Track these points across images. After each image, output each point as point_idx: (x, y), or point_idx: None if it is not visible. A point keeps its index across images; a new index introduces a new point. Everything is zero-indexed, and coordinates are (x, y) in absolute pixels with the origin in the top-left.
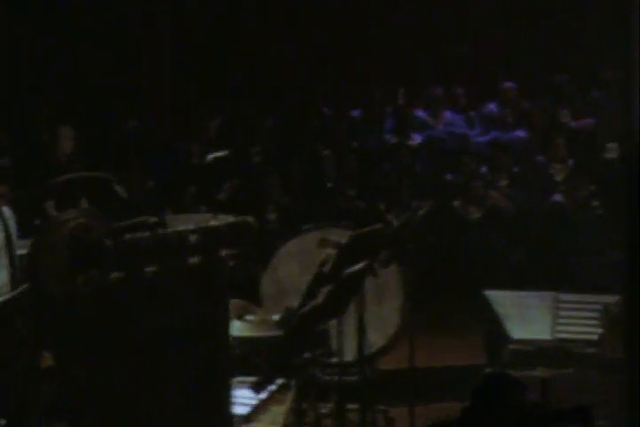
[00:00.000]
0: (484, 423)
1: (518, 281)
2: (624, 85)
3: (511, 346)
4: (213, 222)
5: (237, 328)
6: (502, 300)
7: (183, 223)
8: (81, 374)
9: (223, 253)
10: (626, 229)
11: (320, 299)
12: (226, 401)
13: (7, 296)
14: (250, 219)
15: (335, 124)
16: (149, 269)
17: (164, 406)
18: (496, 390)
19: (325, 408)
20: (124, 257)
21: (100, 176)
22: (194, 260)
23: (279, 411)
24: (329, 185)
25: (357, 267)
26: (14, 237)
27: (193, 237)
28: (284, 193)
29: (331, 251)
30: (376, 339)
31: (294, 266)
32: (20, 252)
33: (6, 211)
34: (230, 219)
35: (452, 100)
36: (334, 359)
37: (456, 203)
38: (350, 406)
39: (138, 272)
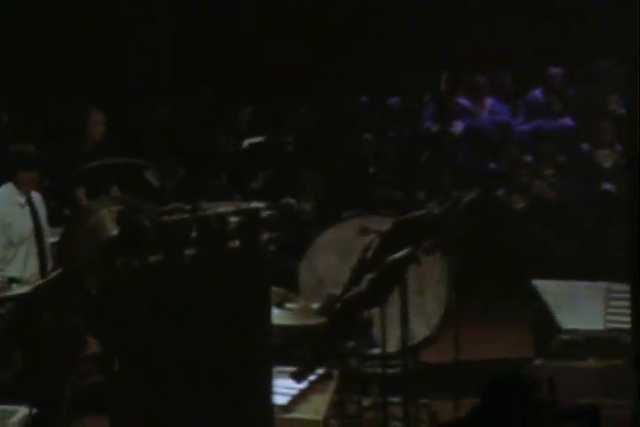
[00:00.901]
0: (494, 423)
1: (565, 271)
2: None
3: (562, 336)
4: (255, 204)
5: (277, 316)
6: (552, 289)
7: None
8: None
9: (265, 236)
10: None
11: (363, 286)
12: (266, 390)
13: (37, 283)
14: (291, 200)
15: (372, 111)
16: (189, 252)
17: (204, 395)
18: (508, 391)
19: (367, 401)
20: (163, 239)
21: (132, 162)
22: (234, 243)
23: (319, 401)
24: (371, 171)
25: (400, 254)
26: (44, 225)
27: (234, 220)
28: (319, 183)
29: (372, 238)
30: (419, 330)
31: (332, 255)
32: (52, 240)
33: (36, 197)
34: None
35: (495, 86)
36: (376, 350)
37: (500, 192)
38: (392, 399)
39: (177, 255)
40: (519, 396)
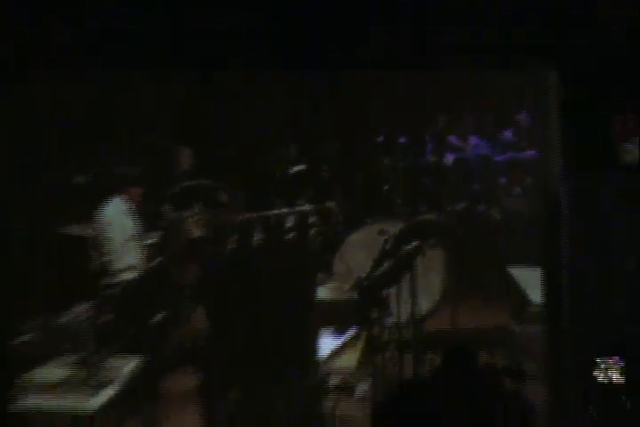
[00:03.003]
0: (448, 382)
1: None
2: None
3: (531, 308)
4: (304, 208)
5: (319, 292)
6: (521, 274)
7: None
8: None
9: (313, 230)
10: None
11: (383, 270)
12: (314, 346)
13: (140, 271)
14: (332, 204)
15: (386, 148)
16: (256, 240)
17: (270, 349)
18: (457, 360)
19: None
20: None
21: (208, 185)
22: (290, 236)
23: (351, 355)
24: (385, 188)
25: (411, 247)
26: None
27: (290, 219)
28: (347, 198)
29: (388, 237)
30: (425, 304)
31: (359, 250)
32: (146, 242)
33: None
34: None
35: (477, 127)
36: (392, 319)
37: (481, 206)
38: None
39: (248, 243)
40: (465, 364)
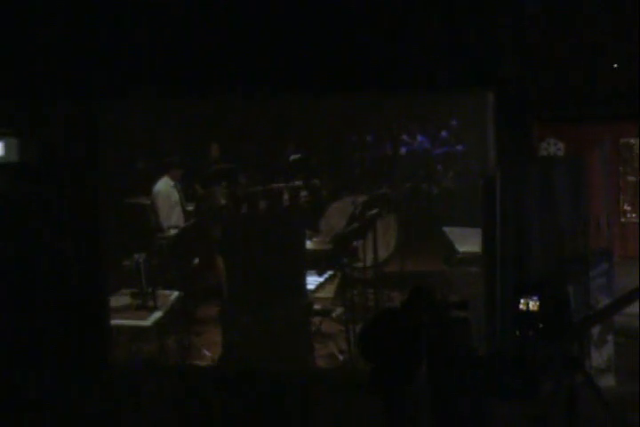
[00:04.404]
0: (413, 310)
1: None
2: None
3: (457, 255)
4: (297, 183)
5: (308, 244)
6: (451, 231)
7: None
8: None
9: (302, 198)
10: None
11: (353, 227)
12: (302, 282)
13: (181, 227)
14: (317, 181)
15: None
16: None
17: (272, 284)
18: (419, 293)
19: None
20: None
21: (231, 168)
22: (287, 201)
23: (330, 288)
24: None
25: (372, 212)
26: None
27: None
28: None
29: (357, 205)
30: (382, 253)
31: (337, 214)
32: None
33: (176, 183)
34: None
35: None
36: (360, 264)
37: (424, 185)
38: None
39: (255, 208)
40: (424, 297)
